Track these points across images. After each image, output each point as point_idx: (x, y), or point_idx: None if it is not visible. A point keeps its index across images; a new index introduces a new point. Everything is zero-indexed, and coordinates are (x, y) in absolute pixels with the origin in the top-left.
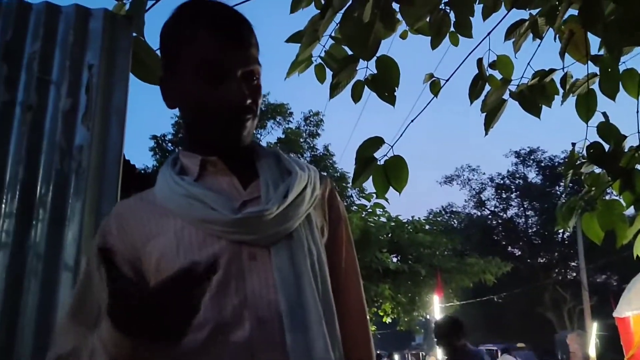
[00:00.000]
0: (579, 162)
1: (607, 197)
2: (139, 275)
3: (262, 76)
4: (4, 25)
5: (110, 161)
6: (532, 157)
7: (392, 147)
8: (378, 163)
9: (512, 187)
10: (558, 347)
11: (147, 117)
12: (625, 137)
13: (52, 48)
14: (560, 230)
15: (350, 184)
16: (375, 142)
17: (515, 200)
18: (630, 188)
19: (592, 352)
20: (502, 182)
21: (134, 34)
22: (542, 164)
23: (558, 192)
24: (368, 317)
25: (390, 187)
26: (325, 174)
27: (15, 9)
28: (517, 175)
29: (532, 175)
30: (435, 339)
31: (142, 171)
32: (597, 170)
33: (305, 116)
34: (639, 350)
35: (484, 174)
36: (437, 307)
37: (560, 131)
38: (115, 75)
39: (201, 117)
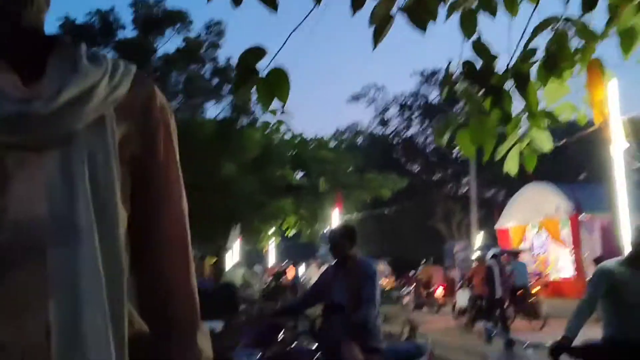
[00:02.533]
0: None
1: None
2: None
3: None
4: None
5: None
6: (435, 77)
7: (274, 57)
8: (260, 75)
9: (414, 106)
10: (447, 255)
11: None
12: (496, 56)
13: None
14: (456, 149)
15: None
16: (257, 53)
17: (417, 119)
18: (499, 105)
19: (474, 258)
20: (405, 101)
21: None
22: None
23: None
24: (190, 246)
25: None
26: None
27: None
28: (419, 95)
29: (434, 96)
30: (329, 246)
31: None
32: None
33: (207, 25)
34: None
35: (389, 93)
36: (336, 220)
37: (464, 54)
38: None
39: None
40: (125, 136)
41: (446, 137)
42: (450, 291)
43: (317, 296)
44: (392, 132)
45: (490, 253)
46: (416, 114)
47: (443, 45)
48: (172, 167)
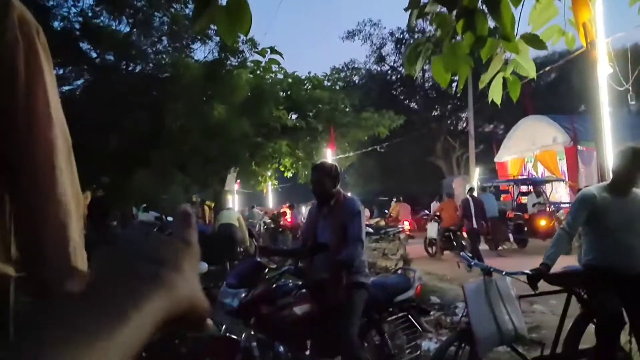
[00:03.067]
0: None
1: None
2: None
3: None
4: None
5: None
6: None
7: None
8: (219, 4)
9: (412, 41)
10: (444, 190)
11: None
12: None
13: None
14: (454, 84)
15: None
16: None
17: None
18: (471, 28)
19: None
20: (401, 36)
21: None
22: None
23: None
24: (61, 179)
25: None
26: None
27: None
28: (417, 30)
29: (431, 29)
30: (311, 185)
31: None
32: (444, 10)
33: None
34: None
35: (385, 28)
36: (330, 160)
37: None
38: None
39: None
40: None
41: (419, 66)
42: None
43: (308, 237)
44: (390, 68)
45: (467, 187)
46: None
47: None
48: (38, 93)
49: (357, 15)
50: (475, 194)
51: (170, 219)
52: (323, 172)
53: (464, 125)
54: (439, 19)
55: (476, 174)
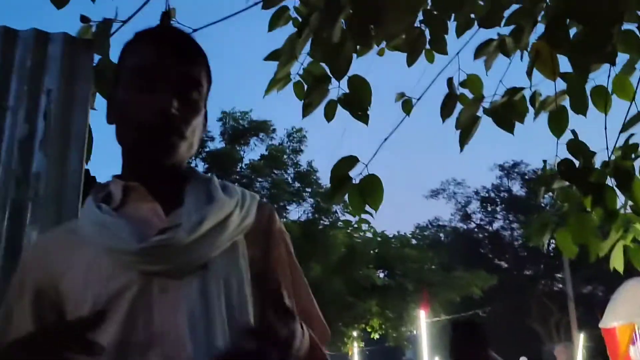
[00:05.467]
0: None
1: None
2: (55, 310)
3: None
4: None
5: (70, 188)
6: (516, 170)
7: (366, 165)
8: (353, 182)
9: (497, 200)
10: (546, 359)
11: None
12: (594, 153)
13: (8, 73)
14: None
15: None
16: (350, 161)
17: (501, 213)
18: (601, 203)
19: None
20: (487, 195)
21: (100, 56)
22: (526, 177)
23: (543, 205)
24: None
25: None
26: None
27: None
28: (502, 188)
29: (517, 188)
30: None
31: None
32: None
33: (288, 133)
34: None
35: (469, 187)
36: (423, 322)
37: (542, 144)
38: (75, 100)
39: (125, 125)
40: (252, 259)
41: (546, 238)
42: None
43: None
44: (476, 226)
45: None
46: (499, 207)
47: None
48: (294, 270)
49: (440, 174)
50: None
51: None
52: (465, 338)
53: (560, 286)
54: (565, 194)
55: (581, 341)
